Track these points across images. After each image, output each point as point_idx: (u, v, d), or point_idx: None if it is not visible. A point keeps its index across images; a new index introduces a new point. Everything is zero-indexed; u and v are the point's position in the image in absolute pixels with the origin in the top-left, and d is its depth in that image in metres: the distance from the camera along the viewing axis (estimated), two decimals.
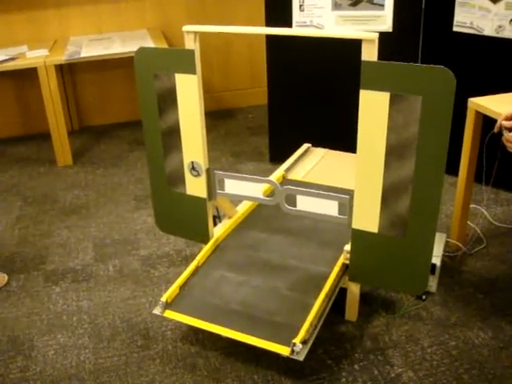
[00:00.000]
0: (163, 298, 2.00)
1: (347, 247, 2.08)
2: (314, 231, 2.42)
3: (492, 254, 2.61)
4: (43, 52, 3.69)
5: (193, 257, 2.64)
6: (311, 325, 1.85)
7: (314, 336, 1.86)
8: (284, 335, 1.84)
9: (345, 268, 2.13)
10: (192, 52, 1.99)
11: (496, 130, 2.02)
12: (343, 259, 2.12)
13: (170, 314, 1.99)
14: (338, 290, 2.11)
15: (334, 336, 2.16)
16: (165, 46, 3.78)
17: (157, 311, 1.99)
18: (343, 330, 2.19)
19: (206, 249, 2.28)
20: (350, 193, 1.93)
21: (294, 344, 1.76)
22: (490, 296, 2.34)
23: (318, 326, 1.91)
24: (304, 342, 1.79)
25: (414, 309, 2.28)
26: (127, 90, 4.52)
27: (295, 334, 1.80)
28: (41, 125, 4.24)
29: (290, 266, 2.20)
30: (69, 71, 4.32)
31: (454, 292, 2.37)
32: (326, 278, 2.06)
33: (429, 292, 2.35)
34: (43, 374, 2.06)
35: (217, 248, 2.32)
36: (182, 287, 2.09)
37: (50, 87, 3.58)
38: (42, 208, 3.27)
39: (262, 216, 2.55)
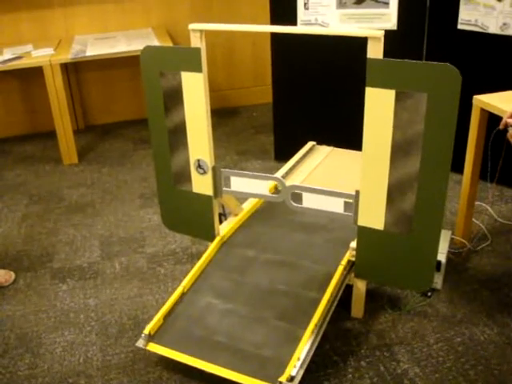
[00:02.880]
0: (146, 331, 1.94)
1: (353, 244, 2.08)
2: (319, 227, 2.43)
3: (497, 250, 2.61)
4: (49, 51, 3.70)
5: (198, 254, 2.67)
6: (299, 359, 1.78)
7: (304, 369, 1.77)
8: (270, 371, 1.77)
9: (351, 265, 2.14)
10: (198, 50, 2.00)
11: (501, 127, 2.02)
12: (349, 256, 2.12)
13: (153, 347, 1.93)
14: (344, 286, 2.12)
15: (340, 332, 2.17)
16: (170, 44, 3.80)
17: (140, 344, 1.94)
18: (349, 327, 2.19)
19: (209, 250, 2.29)
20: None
21: (281, 383, 1.71)
22: (496, 293, 2.35)
23: (310, 357, 1.82)
24: (291, 379, 1.72)
25: (419, 305, 2.29)
26: (132, 88, 4.53)
27: (282, 370, 1.74)
28: (46, 123, 4.26)
29: (280, 290, 2.11)
30: (74, 70, 4.33)
31: (459, 289, 2.37)
32: (317, 303, 1.97)
33: (434, 289, 2.36)
34: (51, 370, 2.08)
35: (211, 262, 2.28)
36: (166, 317, 2.02)
37: (55, 86, 3.59)
38: (47, 206, 3.29)
39: (267, 213, 2.57)
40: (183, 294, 2.11)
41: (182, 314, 2.04)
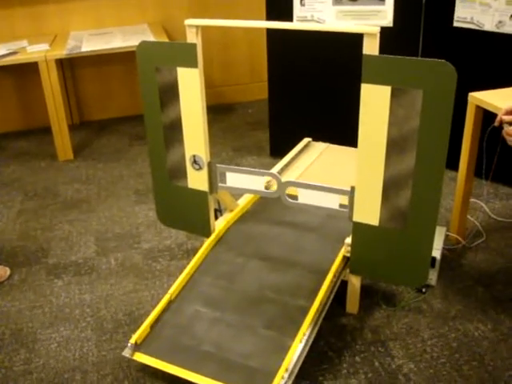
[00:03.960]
0: (132, 340, 1.92)
1: (348, 240, 2.09)
2: (313, 223, 2.44)
3: (491, 247, 2.63)
4: (44, 46, 3.69)
5: (194, 250, 2.67)
6: (287, 370, 1.76)
7: (292, 380, 1.76)
8: (258, 382, 1.76)
9: (346, 261, 2.14)
10: (194, 46, 2.00)
11: (496, 124, 2.03)
12: (344, 252, 2.13)
13: (139, 357, 1.91)
14: (339, 282, 2.13)
15: (335, 328, 2.17)
16: (166, 40, 3.79)
17: (126, 353, 1.92)
18: (344, 323, 2.20)
19: (205, 246, 2.29)
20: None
21: None
22: (490, 289, 2.36)
23: (298, 367, 1.80)
24: None
25: (414, 301, 2.30)
26: (127, 84, 4.53)
27: (270, 381, 1.73)
28: (42, 119, 4.25)
29: (269, 297, 2.08)
30: (69, 66, 4.32)
31: (454, 285, 2.39)
32: (305, 311, 1.95)
33: (429, 285, 2.37)
34: (46, 366, 2.08)
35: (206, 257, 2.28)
36: (154, 326, 1.99)
37: (50, 82, 3.59)
38: (43, 202, 3.28)
39: (262, 209, 2.57)
40: (170, 302, 2.08)
41: (170, 322, 2.02)
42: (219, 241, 2.36)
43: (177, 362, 1.86)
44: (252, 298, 2.07)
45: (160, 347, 1.93)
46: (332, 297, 2.07)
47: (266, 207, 2.60)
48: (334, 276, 2.08)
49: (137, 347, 1.93)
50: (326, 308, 2.01)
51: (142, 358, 1.91)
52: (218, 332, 1.95)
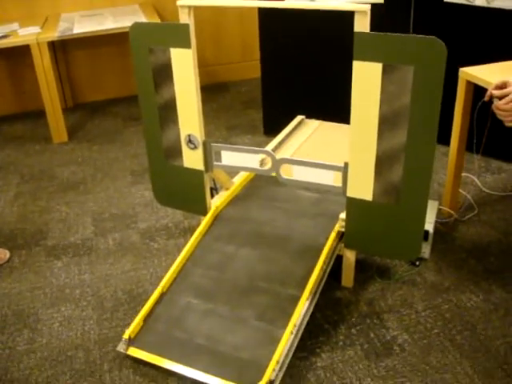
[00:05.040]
0: (126, 335, 1.95)
1: (342, 215, 2.13)
2: (307, 201, 2.47)
3: (483, 220, 2.67)
4: (35, 29, 3.68)
5: (191, 229, 2.71)
6: (278, 362, 1.78)
7: (283, 372, 1.80)
8: (250, 375, 1.78)
9: (340, 235, 2.18)
10: (187, 26, 2.02)
11: (486, 98, 2.06)
12: (339, 227, 2.17)
13: (133, 352, 1.94)
14: (334, 257, 2.17)
15: (331, 301, 2.22)
16: (157, 20, 3.79)
17: (120, 349, 1.97)
18: (340, 296, 2.25)
19: (203, 224, 2.32)
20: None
21: None
22: (482, 261, 2.41)
23: (289, 357, 1.84)
24: (270, 383, 1.75)
25: (408, 274, 2.35)
26: (120, 65, 4.52)
27: (261, 374, 1.75)
28: (35, 102, 4.25)
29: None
30: (61, 48, 4.31)
31: (446, 258, 2.43)
32: (296, 301, 1.95)
33: (422, 258, 2.41)
34: (49, 345, 2.12)
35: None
36: (147, 319, 2.02)
37: (43, 64, 3.58)
38: (39, 185, 3.30)
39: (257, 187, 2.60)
40: (163, 294, 2.10)
41: (162, 315, 2.03)
42: (215, 219, 2.39)
43: (170, 356, 1.89)
44: (243, 288, 2.08)
45: (153, 341, 1.95)
46: (327, 272, 2.11)
47: (260, 186, 2.63)
48: (325, 262, 2.08)
49: (131, 342, 1.96)
50: (317, 296, 2.03)
51: (135, 352, 1.94)
52: (209, 324, 1.97)
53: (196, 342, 1.92)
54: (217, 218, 2.40)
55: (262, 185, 2.63)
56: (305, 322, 1.93)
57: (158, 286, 2.10)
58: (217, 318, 1.98)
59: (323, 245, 2.13)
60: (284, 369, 1.81)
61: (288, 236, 2.27)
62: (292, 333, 1.86)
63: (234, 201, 2.52)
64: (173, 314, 2.03)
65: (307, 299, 1.95)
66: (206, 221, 2.34)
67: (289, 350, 1.84)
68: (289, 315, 1.91)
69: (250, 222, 2.37)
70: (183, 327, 1.98)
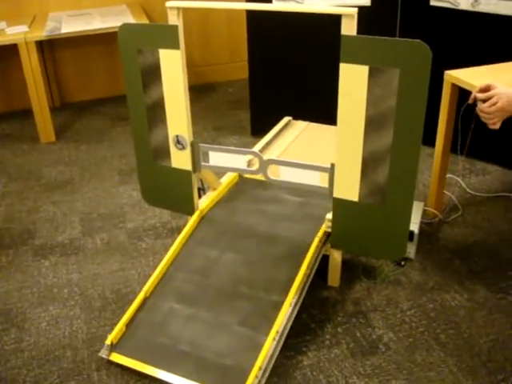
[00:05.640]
0: (108, 341, 1.95)
1: (329, 216, 2.15)
2: (293, 204, 2.50)
3: (468, 221, 2.71)
4: (23, 28, 3.68)
5: (178, 229, 2.72)
6: (260, 369, 1.78)
7: (266, 378, 1.81)
8: (233, 381, 1.78)
9: (327, 236, 2.21)
10: (175, 27, 2.03)
11: (470, 101, 2.09)
12: (325, 227, 2.19)
13: (116, 358, 1.94)
14: (320, 258, 2.19)
15: (317, 301, 2.24)
16: (145, 21, 3.79)
17: (103, 354, 1.97)
18: (326, 295, 2.27)
19: (190, 224, 2.34)
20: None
21: None
22: (466, 261, 2.44)
23: (272, 363, 1.85)
24: None
25: (393, 274, 2.38)
26: (107, 65, 4.52)
27: (244, 380, 1.76)
28: (22, 102, 4.24)
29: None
30: (48, 47, 4.30)
31: (431, 258, 2.47)
32: (279, 307, 1.95)
33: (407, 258, 2.45)
34: (37, 344, 2.13)
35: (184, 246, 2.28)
36: (129, 324, 2.01)
37: (31, 63, 3.58)
38: (27, 184, 3.30)
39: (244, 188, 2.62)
40: (145, 299, 2.09)
41: (145, 320, 2.03)
42: (202, 219, 2.40)
43: (153, 362, 1.89)
44: (226, 293, 2.07)
45: (136, 347, 1.95)
46: (312, 276, 2.12)
47: (245, 189, 2.63)
48: (308, 267, 2.09)
49: (113, 347, 1.96)
50: (301, 301, 2.04)
51: (118, 358, 1.94)
52: (192, 330, 1.96)
53: (179, 348, 1.91)
54: (201, 221, 2.39)
55: (246, 188, 2.62)
56: (288, 327, 1.94)
57: (141, 291, 2.10)
58: (199, 324, 1.98)
59: (307, 249, 2.13)
60: (267, 375, 1.82)
61: (272, 240, 2.26)
62: (274, 339, 1.86)
63: (219, 204, 2.51)
64: (155, 319, 2.02)
65: (290, 305, 1.95)
66: (192, 221, 2.35)
67: (271, 356, 1.85)
68: (272, 321, 1.90)
69: (235, 226, 2.36)
70: (166, 333, 1.97)
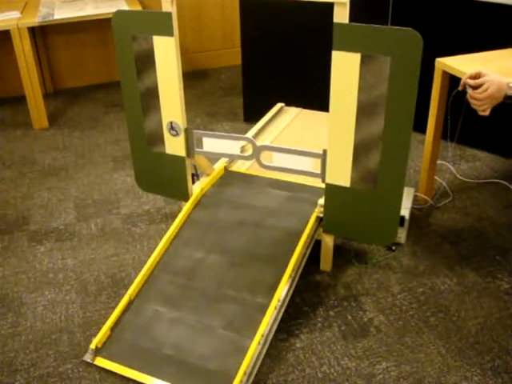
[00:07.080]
0: (92, 345, 1.93)
1: (321, 201, 2.18)
2: (285, 187, 2.52)
3: (458, 206, 2.75)
4: (15, 14, 3.67)
5: (172, 214, 2.75)
6: (245, 374, 1.76)
7: (251, 381, 1.80)
8: None
9: (319, 221, 2.24)
10: (169, 14, 2.04)
11: (460, 88, 2.12)
12: (317, 213, 2.22)
13: (100, 362, 1.92)
14: (313, 242, 2.23)
15: (309, 285, 2.28)
16: (138, 7, 3.79)
17: (87, 358, 1.95)
18: (318, 280, 2.31)
19: (184, 210, 2.36)
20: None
21: None
22: (456, 246, 2.48)
23: (257, 368, 1.83)
24: None
25: (384, 259, 2.41)
26: (100, 51, 4.51)
27: None
28: (15, 88, 4.23)
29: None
30: (41, 33, 4.29)
31: (422, 242, 2.51)
32: (264, 310, 1.93)
33: (398, 243, 2.49)
34: (34, 328, 2.15)
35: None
36: (114, 328, 1.99)
37: (23, 50, 3.57)
38: (21, 171, 3.31)
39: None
40: (130, 303, 2.07)
41: (129, 324, 2.01)
42: (196, 205, 2.43)
43: (137, 367, 1.88)
44: (211, 296, 2.05)
45: (120, 351, 1.93)
46: (297, 278, 2.11)
47: (230, 183, 2.58)
48: (293, 269, 2.07)
49: (98, 351, 1.95)
50: (285, 305, 2.01)
51: (102, 362, 1.93)
52: (177, 333, 1.94)
53: (163, 352, 1.90)
54: (186, 222, 2.35)
55: (232, 182, 2.58)
56: (274, 329, 1.92)
57: (126, 294, 2.07)
58: (184, 327, 1.96)
59: (293, 250, 2.11)
60: (252, 379, 1.81)
61: (258, 238, 2.23)
62: (260, 343, 1.84)
63: (204, 200, 2.46)
64: (140, 322, 2.00)
65: (275, 308, 1.93)
66: (186, 206, 2.38)
67: (257, 360, 1.84)
68: (257, 324, 1.89)
69: (220, 224, 2.33)
70: (150, 336, 1.95)
